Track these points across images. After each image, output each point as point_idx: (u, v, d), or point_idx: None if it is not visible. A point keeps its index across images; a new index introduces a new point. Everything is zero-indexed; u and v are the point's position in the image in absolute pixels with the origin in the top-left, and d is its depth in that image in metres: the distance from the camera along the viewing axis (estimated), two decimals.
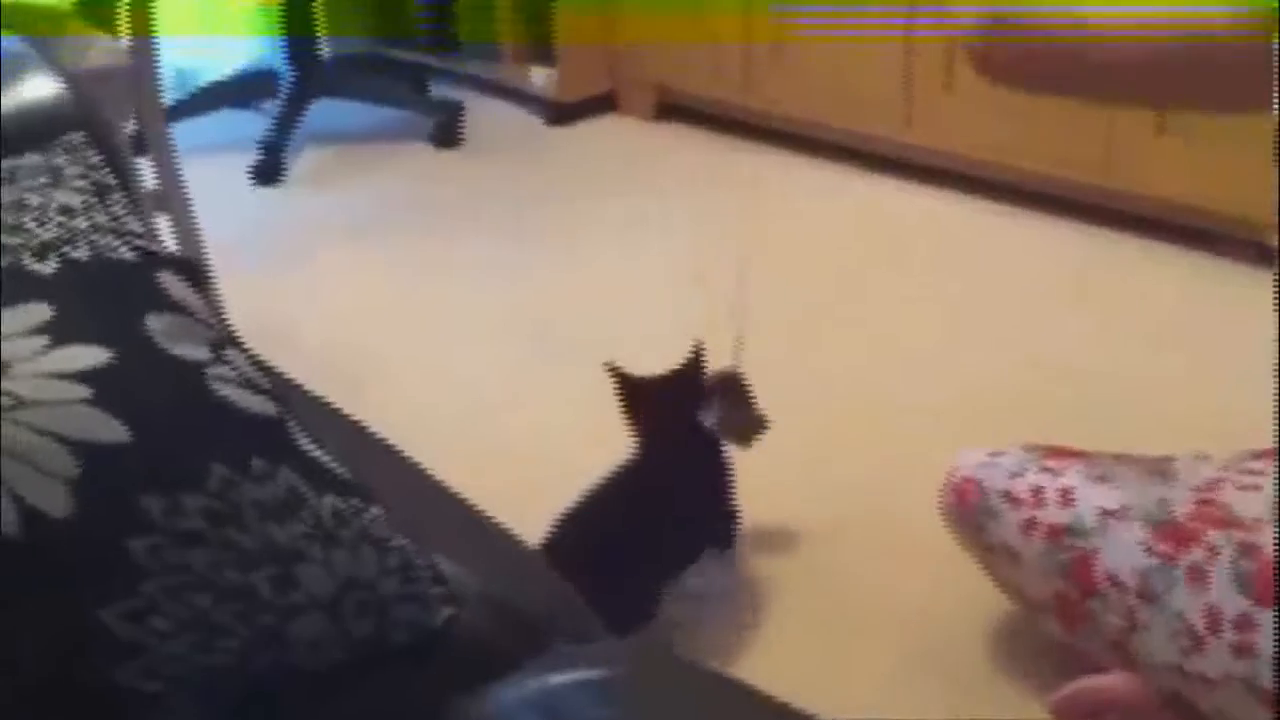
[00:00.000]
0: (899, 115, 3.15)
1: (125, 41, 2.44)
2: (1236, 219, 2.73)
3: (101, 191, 1.02)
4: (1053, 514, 1.56)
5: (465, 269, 2.96)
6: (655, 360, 2.35)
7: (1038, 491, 1.59)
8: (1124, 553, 1.48)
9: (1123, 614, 1.48)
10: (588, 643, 1.10)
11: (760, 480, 2.09)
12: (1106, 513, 1.52)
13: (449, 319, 2.76)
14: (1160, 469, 1.57)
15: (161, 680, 0.85)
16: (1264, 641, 1.34)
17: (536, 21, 3.71)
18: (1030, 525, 1.58)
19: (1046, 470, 1.61)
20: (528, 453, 2.27)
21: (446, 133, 3.61)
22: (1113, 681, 1.55)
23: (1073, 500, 1.56)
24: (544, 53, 3.72)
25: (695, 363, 1.88)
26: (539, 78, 3.73)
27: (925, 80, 3.07)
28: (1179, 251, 2.81)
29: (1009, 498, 1.61)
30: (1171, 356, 2.46)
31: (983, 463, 1.67)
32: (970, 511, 1.65)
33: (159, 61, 2.49)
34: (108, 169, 1.07)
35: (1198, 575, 1.41)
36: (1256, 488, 1.48)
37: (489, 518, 1.21)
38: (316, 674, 0.91)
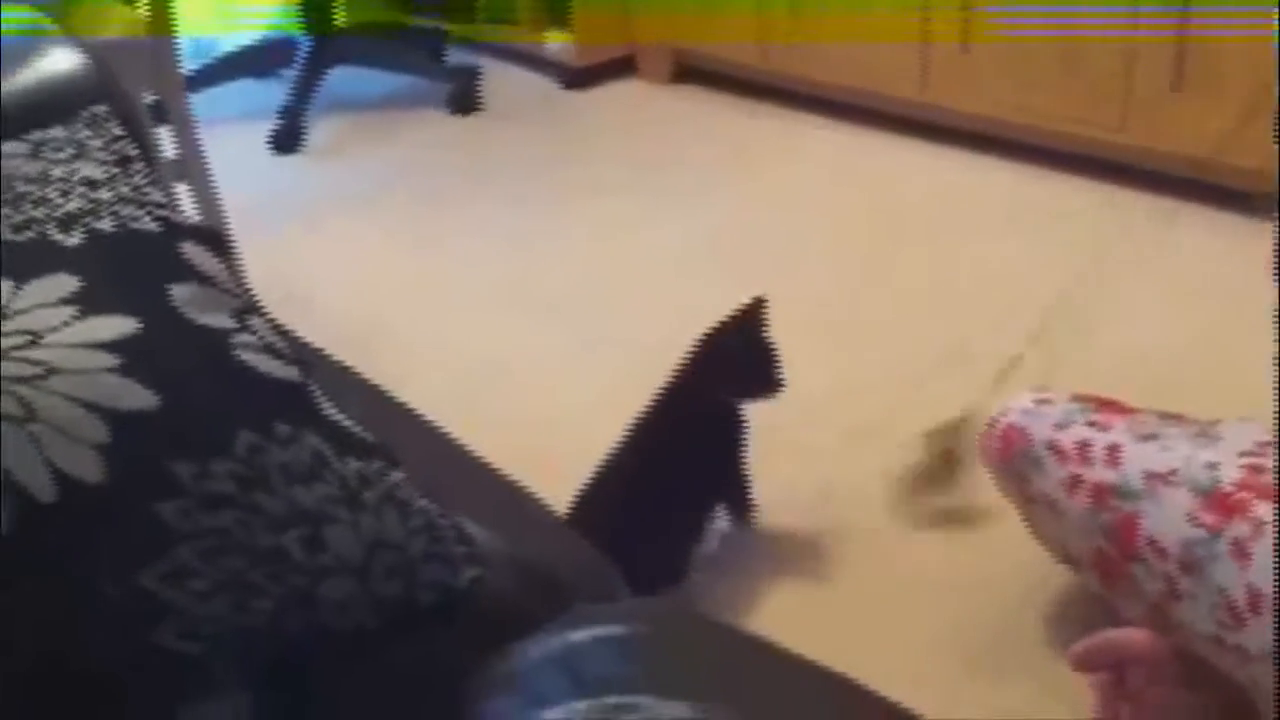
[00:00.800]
0: (916, 76, 3.14)
1: (144, 11, 2.45)
2: (1254, 174, 2.72)
3: (124, 163, 1.03)
4: (1099, 472, 1.53)
5: (482, 235, 2.97)
6: (673, 327, 2.36)
7: (1084, 446, 1.56)
8: (1168, 520, 1.46)
9: (1163, 580, 1.46)
10: (609, 601, 1.11)
11: (787, 437, 2.10)
12: (1153, 476, 1.49)
13: (466, 286, 2.77)
14: (1206, 431, 1.54)
15: (199, 641, 0.87)
16: None
17: None
18: (1075, 482, 1.55)
19: (1093, 424, 1.57)
20: (542, 419, 2.28)
21: (463, 99, 3.61)
22: (1136, 636, 1.55)
23: (1119, 459, 1.53)
24: (560, 17, 3.71)
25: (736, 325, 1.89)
26: (556, 42, 3.73)
27: (941, 41, 3.06)
28: (1197, 208, 2.80)
29: (1055, 449, 1.58)
30: (1195, 314, 2.46)
31: (1029, 410, 1.63)
32: (1014, 459, 1.62)
33: (178, 31, 2.50)
34: (129, 140, 1.08)
35: (1240, 551, 1.38)
36: None
37: (510, 479, 1.23)
38: (346, 634, 0.92)
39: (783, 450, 2.14)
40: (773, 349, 1.88)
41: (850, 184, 3.10)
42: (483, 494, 1.17)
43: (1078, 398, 1.63)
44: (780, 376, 1.87)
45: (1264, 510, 1.39)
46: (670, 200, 3.07)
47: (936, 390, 2.28)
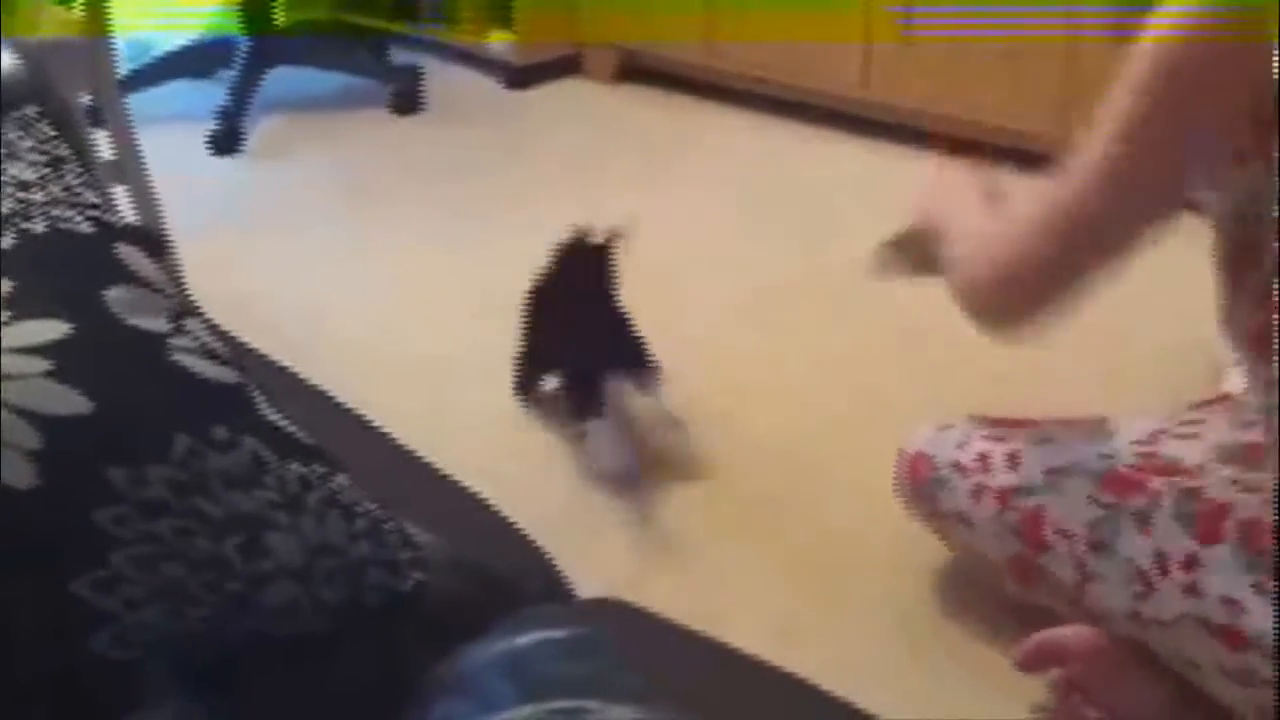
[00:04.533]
0: (857, 74, 3.16)
1: (79, 12, 2.42)
2: None
3: (56, 164, 1.01)
4: (1000, 478, 1.60)
5: (425, 236, 2.95)
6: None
7: (984, 458, 1.62)
8: (1071, 505, 1.51)
9: (1074, 566, 1.51)
10: (556, 603, 1.11)
11: (727, 422, 2.11)
12: (1052, 470, 1.55)
13: (409, 287, 2.75)
14: (1100, 428, 1.60)
15: (135, 649, 0.86)
16: (1212, 579, 1.37)
17: None
18: (979, 491, 1.61)
19: (991, 438, 1.64)
20: (487, 419, 2.27)
21: (406, 99, 3.59)
22: (1070, 633, 1.58)
23: (1019, 463, 1.59)
24: (503, 16, 3.70)
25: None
26: (498, 41, 3.72)
27: (883, 37, 3.08)
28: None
29: (957, 467, 1.65)
30: (1139, 311, 2.48)
31: (930, 437, 1.70)
32: (923, 485, 1.69)
33: (114, 32, 2.47)
34: (62, 141, 1.06)
35: (1143, 520, 1.44)
36: (1195, 436, 1.52)
37: (455, 481, 1.22)
38: (288, 640, 0.91)
39: (728, 432, 2.15)
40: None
41: (790, 180, 3.11)
42: (427, 497, 1.16)
43: (974, 418, 1.71)
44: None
45: (1159, 484, 1.44)
46: (613, 199, 3.06)
47: (869, 382, 2.29)
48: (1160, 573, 1.41)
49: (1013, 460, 1.60)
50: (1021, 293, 1.40)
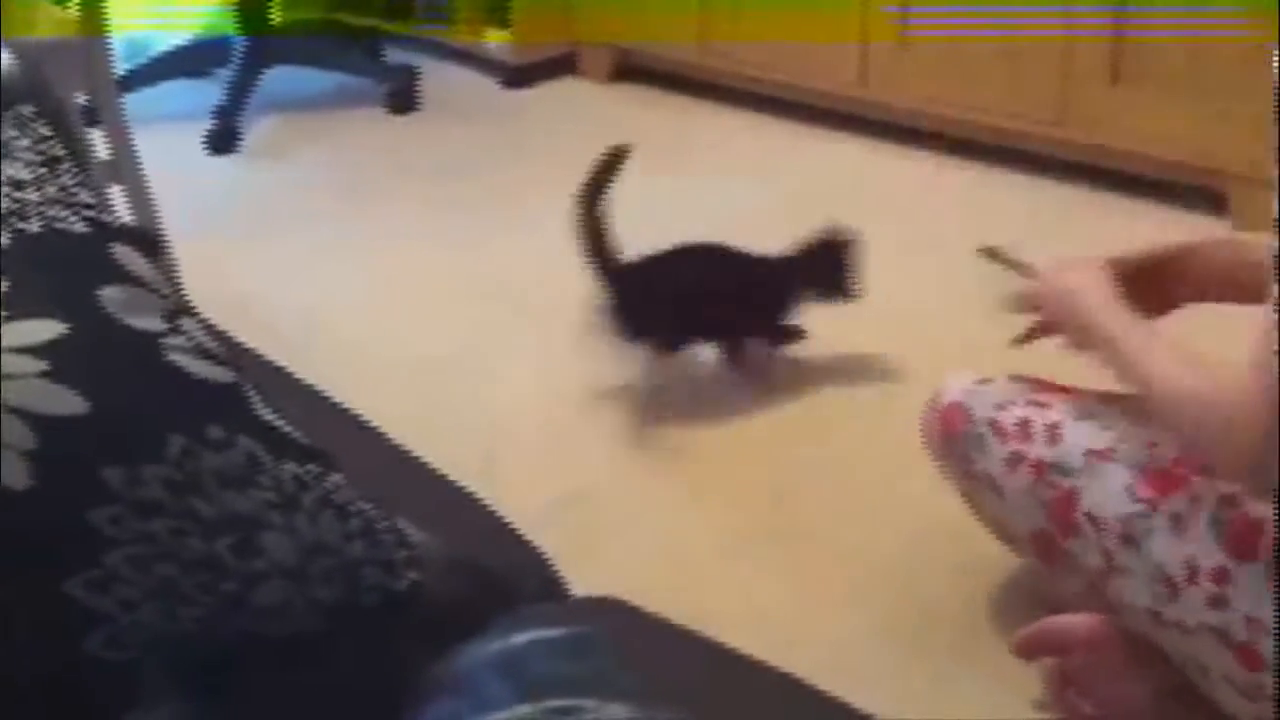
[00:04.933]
0: (854, 73, 3.16)
1: (75, 11, 2.42)
2: (1192, 168, 2.75)
3: (52, 163, 1.01)
4: (1039, 450, 1.54)
5: (421, 235, 2.95)
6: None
7: (1024, 425, 1.57)
8: (1107, 495, 1.47)
9: (1101, 555, 1.47)
10: (552, 602, 1.11)
11: (726, 424, 2.11)
12: (1092, 453, 1.50)
13: (406, 285, 2.75)
14: (1144, 410, 1.55)
15: (129, 649, 0.85)
16: (1238, 595, 1.34)
17: None
18: (1016, 459, 1.56)
19: (1033, 404, 1.58)
20: (485, 418, 2.27)
21: (402, 98, 3.59)
22: (1076, 622, 1.57)
23: (1060, 437, 1.54)
24: (499, 16, 3.70)
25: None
26: (494, 41, 3.71)
27: (880, 36, 3.08)
28: (1134, 202, 2.83)
29: (996, 428, 1.59)
30: None
31: (969, 389, 1.64)
32: (956, 439, 1.63)
33: (110, 31, 2.47)
34: (58, 141, 1.06)
35: (1178, 524, 1.40)
36: None
37: (450, 480, 1.22)
38: (283, 640, 0.91)
39: (727, 428, 2.15)
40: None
41: (789, 180, 3.11)
42: (423, 496, 1.16)
43: (1016, 378, 1.65)
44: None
45: (1201, 485, 1.40)
46: (611, 198, 3.06)
47: (874, 389, 2.29)
48: (1188, 580, 1.38)
49: (1053, 433, 1.54)
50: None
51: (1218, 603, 1.36)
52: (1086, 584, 1.52)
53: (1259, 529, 1.34)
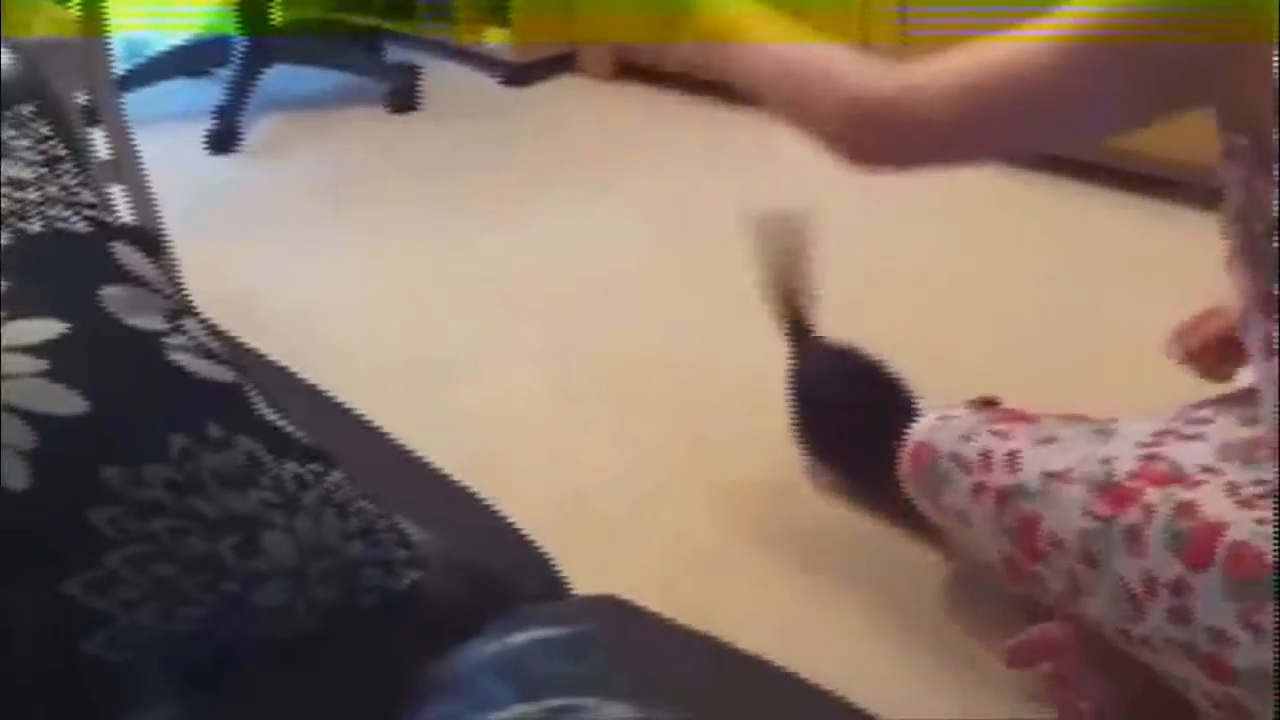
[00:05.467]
0: None
1: (75, 10, 2.42)
2: (1188, 164, 2.74)
3: (52, 163, 1.01)
4: (1000, 478, 1.56)
5: (422, 235, 2.95)
6: (617, 324, 2.36)
7: (986, 455, 1.58)
8: (1065, 515, 1.47)
9: (1066, 578, 1.48)
10: (552, 602, 1.11)
11: (742, 429, 2.10)
12: (1050, 475, 1.51)
13: (408, 284, 2.75)
14: (1104, 429, 1.57)
15: (129, 650, 0.85)
16: (1199, 606, 1.34)
17: None
18: (979, 489, 1.58)
19: (995, 434, 1.61)
20: (489, 417, 2.27)
21: (402, 97, 3.59)
22: (1051, 629, 1.58)
23: (1019, 464, 1.55)
24: (500, 14, 3.70)
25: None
26: (495, 40, 3.71)
27: (882, 35, 3.08)
28: (1134, 199, 2.83)
29: (959, 461, 1.61)
30: (1120, 299, 2.49)
31: (934, 426, 1.67)
32: (924, 475, 1.66)
33: (110, 30, 2.47)
34: (58, 140, 1.06)
35: (1134, 538, 1.40)
36: (1200, 438, 1.48)
37: (451, 479, 1.22)
38: (283, 640, 0.91)
39: (730, 428, 2.15)
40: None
41: (788, 182, 3.10)
42: (423, 495, 1.16)
43: (979, 409, 1.67)
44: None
45: (1155, 496, 1.40)
46: (609, 197, 3.06)
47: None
48: (1149, 595, 1.38)
49: (1013, 460, 1.56)
50: (930, 144, 1.35)
51: (1179, 616, 1.35)
52: (1057, 605, 1.53)
53: (1216, 533, 1.32)
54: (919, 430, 1.69)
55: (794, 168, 3.14)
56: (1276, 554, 1.29)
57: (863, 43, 3.10)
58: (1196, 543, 1.34)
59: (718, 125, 3.39)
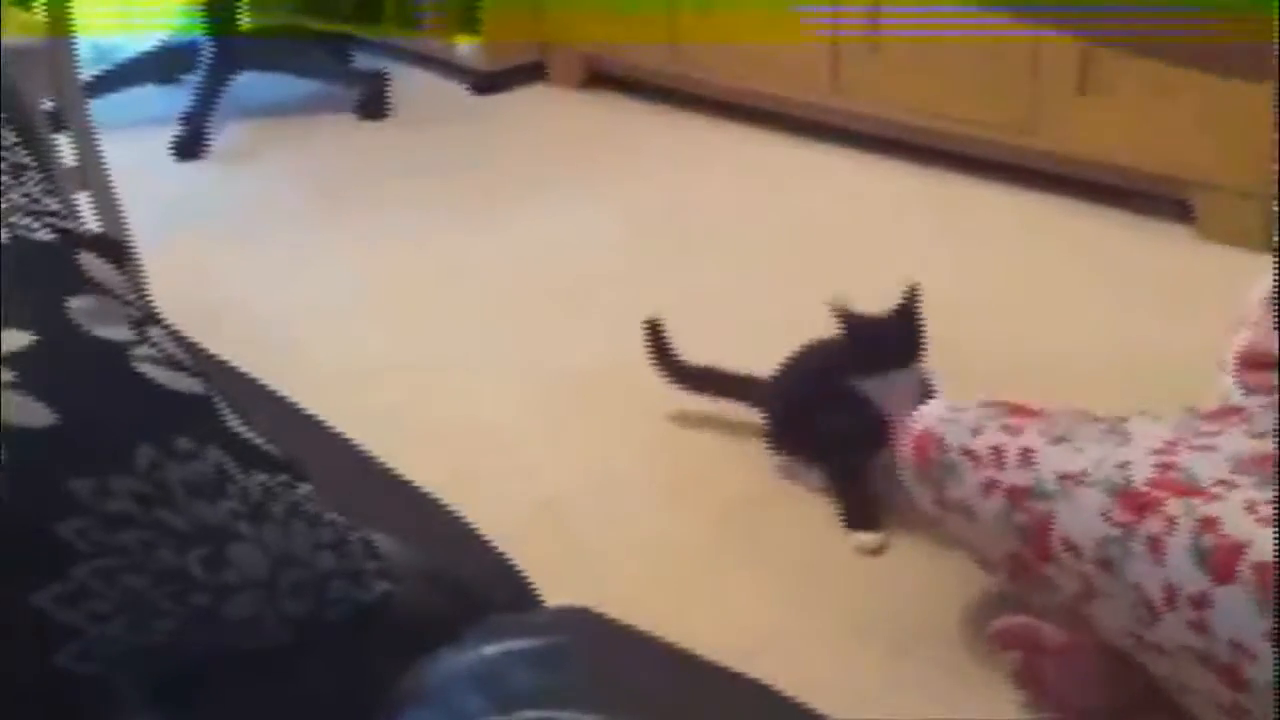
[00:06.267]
0: (825, 79, 3.16)
1: (40, 14, 2.40)
2: (1158, 177, 2.76)
3: (17, 171, 1.00)
4: (1013, 475, 1.54)
5: (393, 240, 2.94)
6: (583, 333, 2.34)
7: (998, 451, 1.57)
8: (1082, 519, 1.46)
9: (1078, 580, 1.47)
10: (524, 612, 1.10)
11: (701, 442, 2.10)
12: (1067, 476, 1.50)
13: (378, 290, 2.75)
14: (1116, 429, 1.56)
15: (100, 663, 0.84)
16: (1219, 619, 1.34)
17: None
18: (990, 485, 1.56)
19: (1006, 428, 1.59)
20: (459, 426, 2.27)
21: (371, 104, 3.58)
22: (1048, 630, 1.58)
23: (1033, 462, 1.54)
24: (470, 21, 3.70)
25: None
26: (465, 46, 3.71)
27: (851, 44, 3.08)
28: (1101, 210, 2.84)
29: (969, 455, 1.59)
30: (1111, 315, 2.50)
31: (944, 417, 1.65)
32: (929, 466, 1.64)
33: (76, 35, 2.45)
34: (23, 148, 1.05)
35: (1156, 547, 1.39)
36: (1211, 448, 1.47)
37: (420, 490, 1.21)
38: (254, 651, 0.90)
39: (706, 435, 2.15)
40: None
41: (760, 188, 3.11)
42: (393, 506, 1.15)
43: (988, 403, 1.66)
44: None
45: (1175, 507, 1.40)
46: (579, 205, 3.06)
47: None
48: (1168, 604, 1.37)
49: (1026, 458, 1.54)
50: None
51: (1198, 627, 1.35)
52: (1063, 607, 1.52)
53: (1240, 551, 1.33)
54: (924, 419, 1.66)
55: (761, 172, 3.16)
56: (1277, 557, 1.29)
57: (833, 44, 3.11)
58: (1221, 557, 1.34)
59: (686, 132, 3.40)
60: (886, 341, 1.98)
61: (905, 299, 1.99)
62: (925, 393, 1.92)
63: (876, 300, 2.56)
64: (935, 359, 2.09)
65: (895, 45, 3.01)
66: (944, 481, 1.62)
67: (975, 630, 1.73)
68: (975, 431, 1.60)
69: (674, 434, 2.21)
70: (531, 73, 3.74)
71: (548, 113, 3.60)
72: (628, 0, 3.42)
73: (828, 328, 2.33)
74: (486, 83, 3.69)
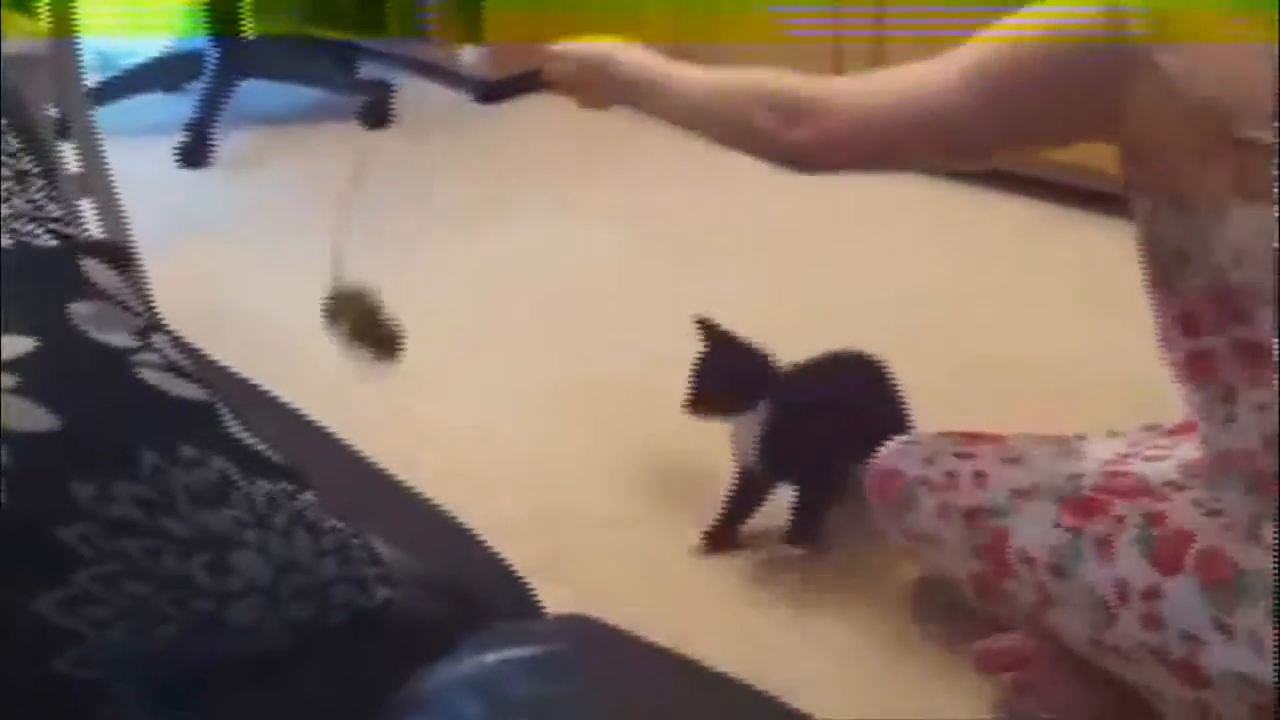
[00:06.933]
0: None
1: (45, 21, 2.41)
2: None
3: (21, 177, 1.00)
4: (966, 497, 1.58)
5: (393, 248, 2.94)
6: (591, 343, 2.34)
7: (951, 475, 1.61)
8: (1033, 529, 1.50)
9: (1035, 590, 1.50)
10: (525, 620, 1.10)
11: (696, 457, 2.10)
12: (1017, 492, 1.54)
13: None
14: (1071, 448, 1.59)
15: (100, 668, 0.85)
16: (1172, 611, 1.35)
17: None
18: (945, 509, 1.60)
19: (959, 455, 1.63)
20: (459, 433, 2.27)
21: (375, 112, 3.59)
22: (1026, 638, 1.59)
23: (985, 482, 1.58)
24: (473, 29, 3.71)
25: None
26: (468, 55, 3.72)
27: (854, 53, 3.09)
28: (1098, 218, 2.84)
29: (925, 483, 1.63)
30: (1089, 322, 2.50)
31: (900, 451, 1.70)
32: (893, 500, 1.68)
33: (81, 43, 2.46)
34: (28, 154, 1.05)
35: (1104, 547, 1.42)
36: (1163, 459, 1.50)
37: (423, 496, 1.22)
38: (256, 658, 0.90)
39: (699, 449, 2.15)
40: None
41: (762, 195, 3.11)
42: (396, 513, 1.16)
43: (944, 434, 1.70)
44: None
45: (1122, 508, 1.42)
46: (581, 213, 3.06)
47: None
48: (1120, 601, 1.40)
49: (979, 479, 1.59)
50: (862, 150, 1.45)
51: (1151, 622, 1.37)
52: (1026, 619, 1.54)
53: (1186, 540, 1.35)
54: (885, 457, 1.72)
55: (759, 185, 3.16)
56: (1277, 567, 1.30)
57: (835, 43, 3.11)
58: (1167, 549, 1.36)
59: (688, 140, 3.40)
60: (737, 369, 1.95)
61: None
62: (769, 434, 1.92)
63: (872, 309, 2.56)
64: (931, 365, 2.10)
65: (898, 48, 3.01)
66: (905, 513, 1.66)
67: (971, 631, 1.73)
68: (929, 461, 1.65)
69: (674, 440, 2.21)
70: (535, 81, 3.74)
71: (551, 121, 3.60)
72: (632, 2, 3.42)
73: (828, 330, 2.34)
74: (490, 91, 3.69)
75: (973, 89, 1.36)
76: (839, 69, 3.11)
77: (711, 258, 2.83)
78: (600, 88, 1.69)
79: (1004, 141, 1.44)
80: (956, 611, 1.77)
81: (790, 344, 2.44)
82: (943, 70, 1.39)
